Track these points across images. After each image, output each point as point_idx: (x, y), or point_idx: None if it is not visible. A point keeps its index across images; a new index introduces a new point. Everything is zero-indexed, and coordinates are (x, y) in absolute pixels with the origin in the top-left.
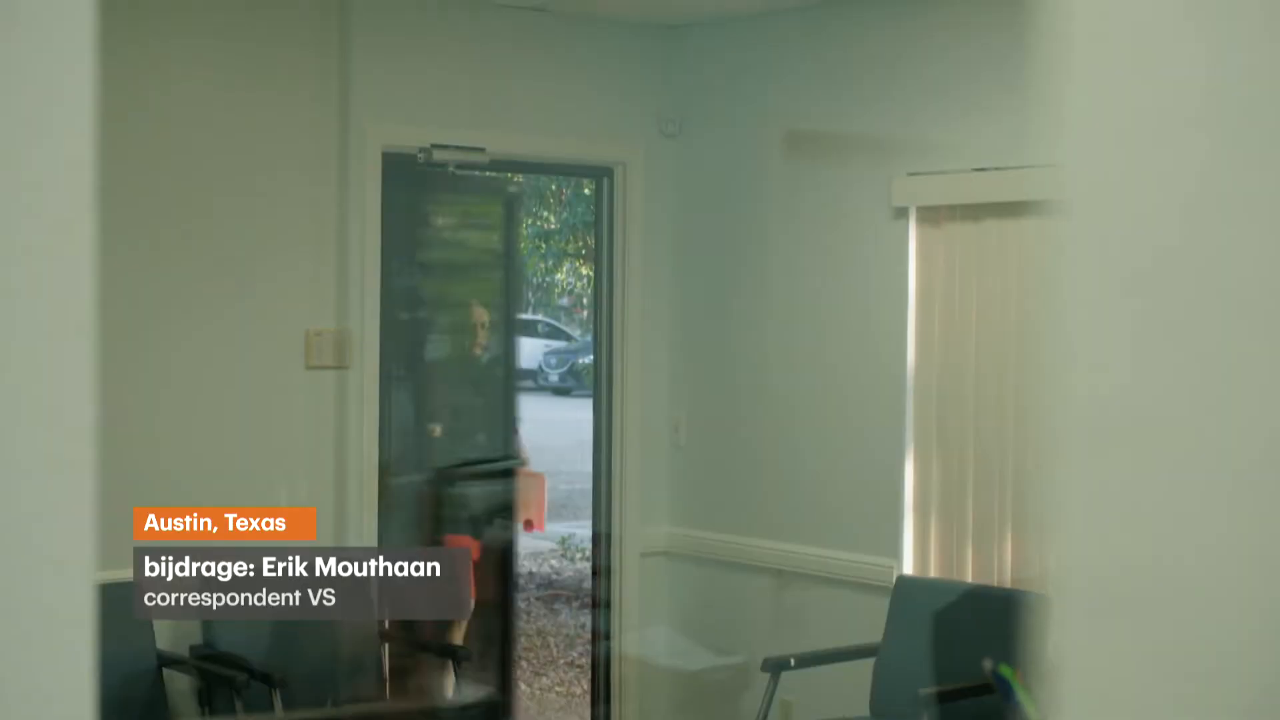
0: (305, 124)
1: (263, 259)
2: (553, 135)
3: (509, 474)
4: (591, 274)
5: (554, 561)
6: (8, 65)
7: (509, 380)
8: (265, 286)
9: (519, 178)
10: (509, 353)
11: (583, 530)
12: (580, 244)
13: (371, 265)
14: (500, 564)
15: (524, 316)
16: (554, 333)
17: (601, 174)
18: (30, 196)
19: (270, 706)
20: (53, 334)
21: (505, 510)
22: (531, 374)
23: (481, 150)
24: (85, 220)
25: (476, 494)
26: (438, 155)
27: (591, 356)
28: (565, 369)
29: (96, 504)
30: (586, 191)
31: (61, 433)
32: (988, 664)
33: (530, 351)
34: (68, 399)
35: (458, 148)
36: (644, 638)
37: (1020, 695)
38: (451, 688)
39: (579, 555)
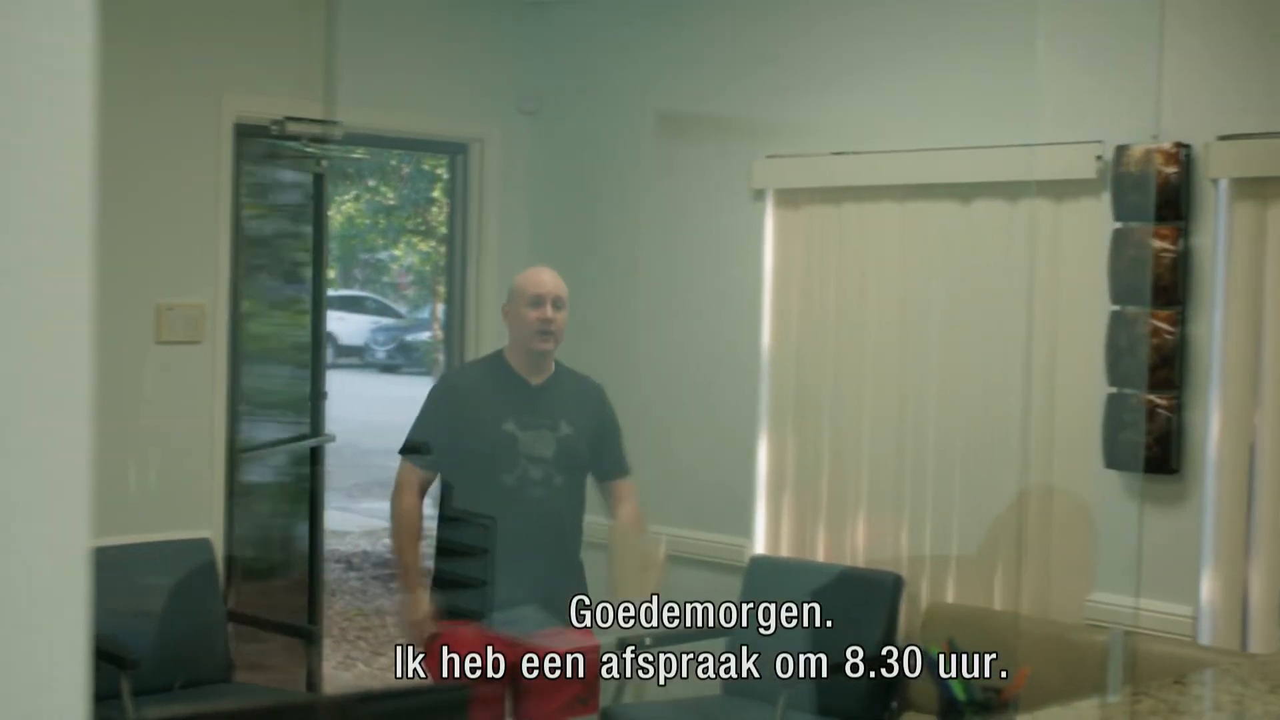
0: (156, 93)
1: (112, 229)
2: (409, 110)
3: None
4: (430, 249)
5: (389, 540)
6: (6, 40)
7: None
8: (115, 257)
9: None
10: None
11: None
12: (419, 220)
13: (224, 238)
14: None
15: (351, 293)
16: (382, 309)
17: (457, 150)
18: (29, 174)
19: (117, 690)
20: (50, 312)
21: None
22: (358, 350)
23: (336, 124)
24: (84, 197)
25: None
26: (291, 128)
27: (424, 334)
28: (393, 345)
29: (93, 485)
30: (426, 167)
31: (57, 412)
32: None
33: (358, 329)
34: (64, 377)
35: (312, 121)
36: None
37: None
38: (305, 671)
39: None
